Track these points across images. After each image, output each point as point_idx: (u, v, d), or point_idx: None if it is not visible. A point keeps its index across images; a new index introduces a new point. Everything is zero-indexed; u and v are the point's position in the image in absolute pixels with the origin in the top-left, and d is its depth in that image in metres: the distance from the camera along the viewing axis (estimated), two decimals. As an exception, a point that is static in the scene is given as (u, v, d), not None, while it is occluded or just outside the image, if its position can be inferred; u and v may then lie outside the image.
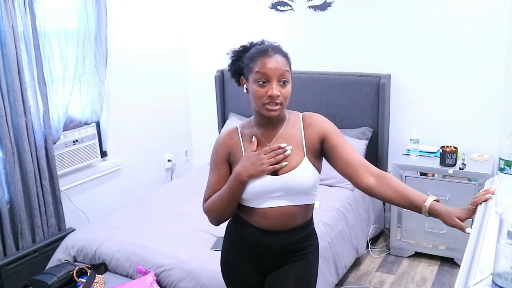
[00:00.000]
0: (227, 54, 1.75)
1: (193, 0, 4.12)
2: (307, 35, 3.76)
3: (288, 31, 3.79)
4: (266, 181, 1.63)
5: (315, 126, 1.69)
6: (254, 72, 1.60)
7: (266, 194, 1.65)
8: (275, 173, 1.64)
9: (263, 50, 1.63)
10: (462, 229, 1.45)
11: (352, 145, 1.70)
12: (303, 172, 1.64)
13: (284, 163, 1.62)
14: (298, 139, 1.67)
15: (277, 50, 1.65)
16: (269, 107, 1.60)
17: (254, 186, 1.63)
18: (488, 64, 3.24)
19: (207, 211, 1.74)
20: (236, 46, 1.75)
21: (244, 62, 1.67)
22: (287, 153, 1.62)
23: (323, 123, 1.70)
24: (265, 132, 1.70)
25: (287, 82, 1.62)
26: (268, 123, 1.69)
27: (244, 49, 1.71)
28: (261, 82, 1.59)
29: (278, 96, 1.59)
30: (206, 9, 4.09)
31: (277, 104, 1.60)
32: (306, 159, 1.65)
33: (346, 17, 3.60)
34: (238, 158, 1.68)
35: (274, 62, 1.59)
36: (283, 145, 1.62)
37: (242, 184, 1.63)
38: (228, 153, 1.70)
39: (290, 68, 1.66)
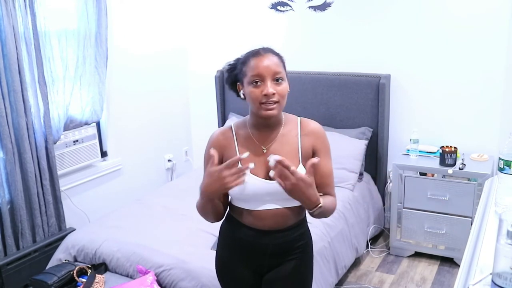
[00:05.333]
0: (223, 68, 1.75)
1: (193, 0, 4.12)
2: (307, 35, 3.76)
3: (288, 31, 3.79)
4: (260, 185, 1.64)
5: (312, 137, 1.70)
6: (248, 75, 1.60)
7: (260, 197, 1.65)
8: (269, 178, 1.63)
9: (254, 51, 1.64)
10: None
11: (330, 168, 1.71)
12: None
13: (243, 178, 1.52)
14: (294, 145, 1.68)
15: (269, 50, 1.65)
16: (266, 106, 1.58)
17: (248, 190, 1.63)
18: (488, 64, 3.24)
19: (197, 209, 1.73)
20: (231, 57, 1.75)
21: (238, 69, 1.68)
22: (250, 166, 1.52)
23: (319, 137, 1.71)
24: (260, 135, 1.69)
25: (281, 80, 1.61)
26: (264, 125, 1.68)
27: (238, 60, 1.71)
28: (255, 83, 1.59)
29: (274, 94, 1.58)
30: (206, 9, 4.10)
31: (274, 102, 1.59)
32: (301, 167, 1.65)
33: (345, 18, 3.61)
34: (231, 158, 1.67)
35: (266, 61, 1.59)
36: (244, 155, 1.53)
37: (209, 200, 1.61)
38: (221, 152, 1.67)
39: (285, 68, 1.66)
